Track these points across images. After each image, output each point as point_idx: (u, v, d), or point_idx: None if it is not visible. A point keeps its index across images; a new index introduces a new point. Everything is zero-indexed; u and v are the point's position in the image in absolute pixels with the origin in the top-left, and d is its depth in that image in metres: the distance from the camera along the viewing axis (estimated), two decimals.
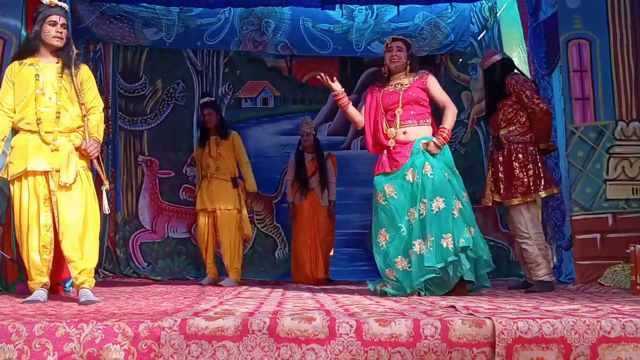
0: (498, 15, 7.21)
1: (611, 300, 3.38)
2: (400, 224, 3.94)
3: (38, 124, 3.47)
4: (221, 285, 5.48)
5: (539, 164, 4.60)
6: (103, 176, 3.66)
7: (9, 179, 3.53)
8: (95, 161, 3.65)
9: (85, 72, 3.67)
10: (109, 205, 3.70)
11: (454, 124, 4.20)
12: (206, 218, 5.89)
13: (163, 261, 7.19)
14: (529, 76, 6.41)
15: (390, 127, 4.12)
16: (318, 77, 4.26)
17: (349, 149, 7.53)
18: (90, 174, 3.64)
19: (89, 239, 3.51)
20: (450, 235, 3.83)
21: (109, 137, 6.87)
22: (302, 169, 6.41)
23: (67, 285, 4.09)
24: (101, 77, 6.89)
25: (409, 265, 3.86)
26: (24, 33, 4.68)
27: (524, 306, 2.89)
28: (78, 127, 3.59)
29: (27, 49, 3.62)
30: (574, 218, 4.86)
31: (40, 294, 3.45)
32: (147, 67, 7.41)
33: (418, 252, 3.84)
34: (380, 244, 4.02)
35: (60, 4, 3.60)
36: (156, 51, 7.33)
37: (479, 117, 7.44)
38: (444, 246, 3.81)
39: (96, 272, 3.65)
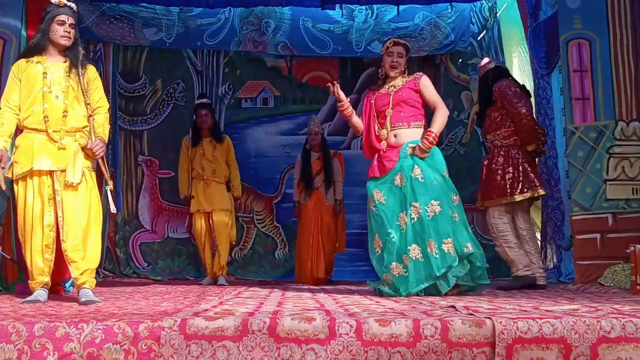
0: (498, 15, 7.22)
1: (611, 300, 3.38)
2: (389, 230, 3.90)
3: (45, 122, 3.46)
4: (223, 285, 5.51)
5: (521, 167, 4.74)
6: (107, 176, 3.66)
7: (13, 179, 3.52)
8: (100, 161, 3.65)
9: (92, 72, 3.68)
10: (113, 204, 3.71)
11: (444, 126, 4.12)
12: (202, 219, 5.92)
13: (163, 261, 7.19)
14: (529, 77, 6.43)
15: (382, 129, 4.10)
16: (328, 85, 4.19)
17: (349, 149, 7.53)
18: (94, 174, 3.64)
19: (91, 239, 3.51)
20: (451, 240, 3.79)
21: (109, 137, 6.86)
22: (307, 167, 6.40)
23: (67, 285, 4.09)
24: (101, 77, 6.85)
25: (405, 270, 3.82)
26: (24, 33, 4.69)
27: (524, 306, 2.89)
28: (83, 127, 3.59)
29: (35, 48, 3.61)
30: (574, 218, 4.86)
31: (41, 294, 3.45)
32: (147, 67, 7.41)
33: (414, 258, 3.80)
34: (376, 250, 4.02)
35: (69, 4, 3.60)
36: (156, 51, 7.34)
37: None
38: (446, 251, 3.77)
39: (96, 272, 3.64)
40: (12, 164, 3.51)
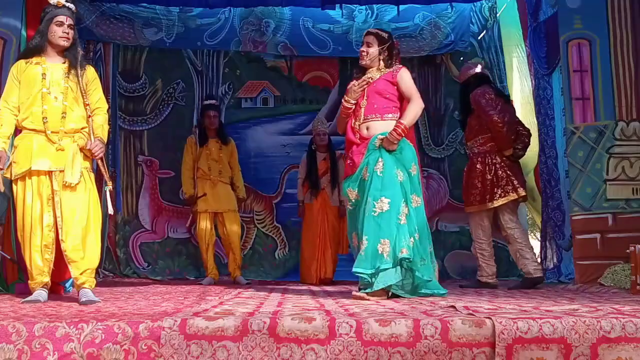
0: (498, 15, 7.22)
1: (611, 300, 3.38)
2: None
3: (44, 123, 3.47)
4: (242, 283, 5.75)
5: (500, 172, 4.87)
6: (107, 177, 3.66)
7: (12, 179, 3.52)
8: (99, 162, 3.65)
9: (91, 73, 3.68)
10: (112, 205, 3.71)
11: (417, 118, 3.93)
12: (208, 220, 5.94)
13: (163, 261, 7.18)
14: (526, 77, 6.44)
15: (356, 121, 3.95)
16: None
17: None
18: (92, 175, 3.64)
19: (91, 239, 3.51)
20: (388, 241, 3.56)
21: (109, 137, 6.86)
22: (313, 168, 6.38)
23: (67, 285, 4.09)
24: (101, 77, 6.81)
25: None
26: (24, 33, 4.68)
27: (524, 306, 2.89)
28: (82, 128, 3.59)
29: (34, 49, 3.61)
30: (574, 218, 4.86)
31: (41, 294, 3.45)
32: (147, 67, 7.40)
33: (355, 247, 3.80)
34: (354, 246, 3.91)
35: (67, 4, 3.60)
36: (156, 51, 7.33)
37: None
38: (379, 252, 3.56)
39: (96, 272, 3.64)
40: (10, 164, 3.51)
